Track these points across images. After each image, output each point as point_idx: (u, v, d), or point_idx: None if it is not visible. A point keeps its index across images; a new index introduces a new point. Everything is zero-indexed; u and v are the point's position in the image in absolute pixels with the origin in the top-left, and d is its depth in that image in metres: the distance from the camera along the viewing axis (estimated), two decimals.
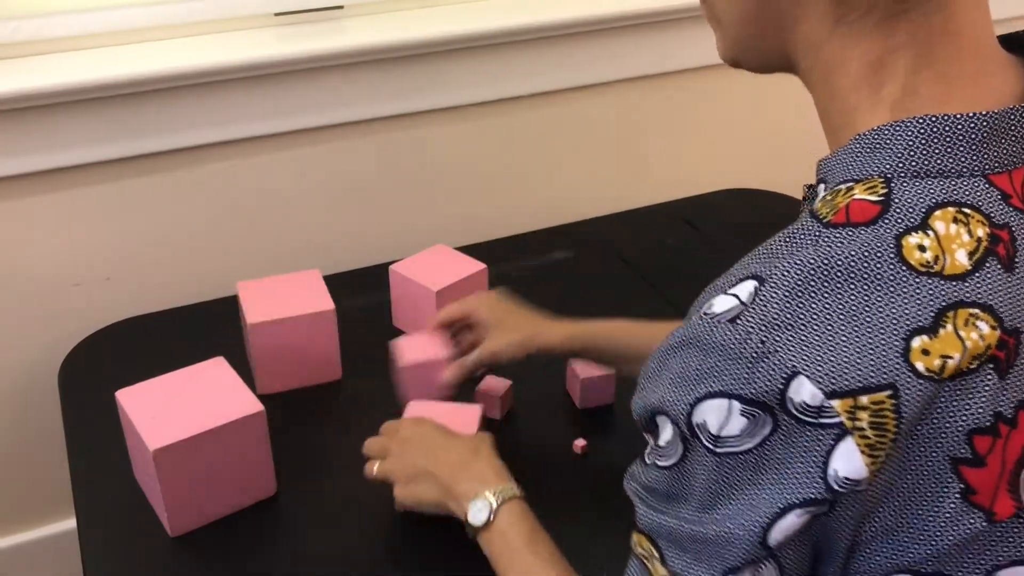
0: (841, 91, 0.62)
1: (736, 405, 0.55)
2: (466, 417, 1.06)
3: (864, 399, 0.53)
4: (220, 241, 1.49)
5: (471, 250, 1.36)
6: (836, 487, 0.54)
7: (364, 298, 1.39)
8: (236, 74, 1.35)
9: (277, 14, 1.42)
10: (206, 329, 1.36)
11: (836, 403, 0.53)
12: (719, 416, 0.56)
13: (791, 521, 0.56)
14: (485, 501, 0.90)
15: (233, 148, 1.43)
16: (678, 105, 1.71)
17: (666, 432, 0.60)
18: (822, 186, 0.63)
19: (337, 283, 1.29)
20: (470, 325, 1.15)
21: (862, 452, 0.53)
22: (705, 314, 0.57)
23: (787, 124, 1.81)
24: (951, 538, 0.56)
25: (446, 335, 1.16)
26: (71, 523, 1.10)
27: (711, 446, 0.57)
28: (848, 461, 0.54)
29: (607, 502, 0.97)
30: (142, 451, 0.98)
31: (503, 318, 1.12)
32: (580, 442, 1.13)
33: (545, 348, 1.09)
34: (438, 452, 0.98)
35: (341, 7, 1.46)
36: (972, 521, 0.55)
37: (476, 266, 1.31)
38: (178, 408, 1.00)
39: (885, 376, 0.53)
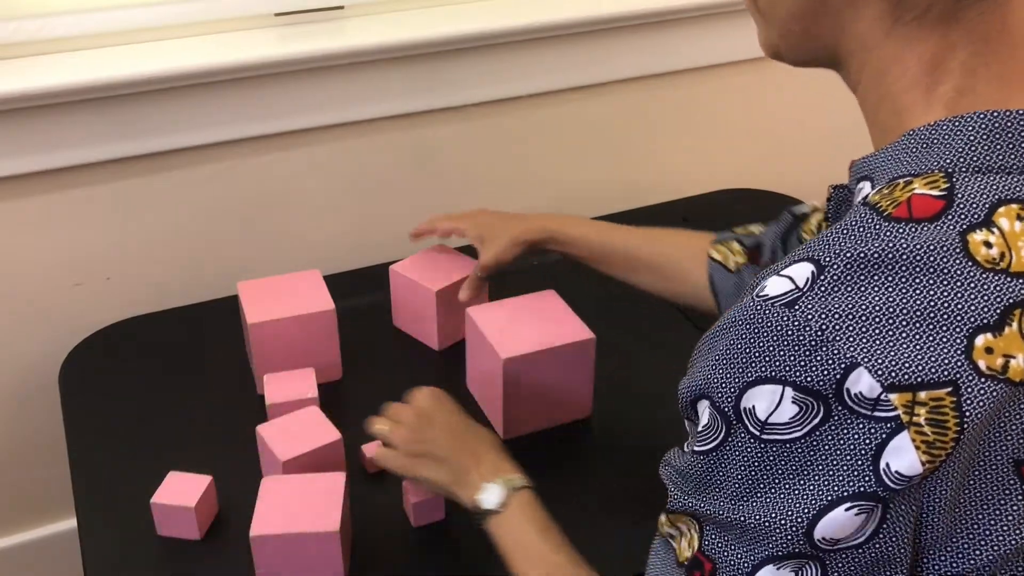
0: (894, 91, 0.61)
1: (789, 392, 0.54)
2: (328, 484, 0.99)
3: (923, 395, 0.52)
4: (220, 241, 1.48)
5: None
6: (888, 481, 0.53)
7: (364, 298, 1.39)
8: (236, 74, 1.35)
9: (277, 14, 1.42)
10: (206, 329, 1.36)
11: (894, 396, 0.52)
12: (770, 402, 0.55)
13: (840, 516, 0.54)
14: (500, 487, 0.90)
15: (233, 148, 1.43)
16: (678, 105, 1.71)
17: (705, 416, 0.59)
18: (867, 183, 0.62)
19: (337, 283, 1.29)
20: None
21: (917, 447, 0.52)
22: (758, 296, 0.56)
23: (787, 124, 1.81)
24: (1013, 542, 0.55)
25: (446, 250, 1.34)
26: (71, 523, 1.10)
27: (756, 432, 0.56)
28: (902, 455, 0.52)
29: None
30: (492, 360, 1.12)
31: (488, 230, 1.23)
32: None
33: (532, 244, 1.20)
34: (455, 435, 0.97)
35: (341, 7, 1.46)
36: None
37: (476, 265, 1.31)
38: (521, 327, 1.15)
39: (946, 373, 0.52)
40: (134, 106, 1.33)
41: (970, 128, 0.57)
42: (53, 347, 1.38)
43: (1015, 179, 0.56)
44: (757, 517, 0.57)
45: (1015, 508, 0.54)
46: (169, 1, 1.36)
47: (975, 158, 0.56)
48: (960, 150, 0.57)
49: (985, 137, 0.56)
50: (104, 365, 1.30)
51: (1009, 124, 0.56)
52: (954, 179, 0.56)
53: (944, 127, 0.58)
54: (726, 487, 0.59)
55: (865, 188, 0.62)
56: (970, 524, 0.55)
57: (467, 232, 1.26)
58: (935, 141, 0.58)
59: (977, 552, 0.55)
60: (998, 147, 0.56)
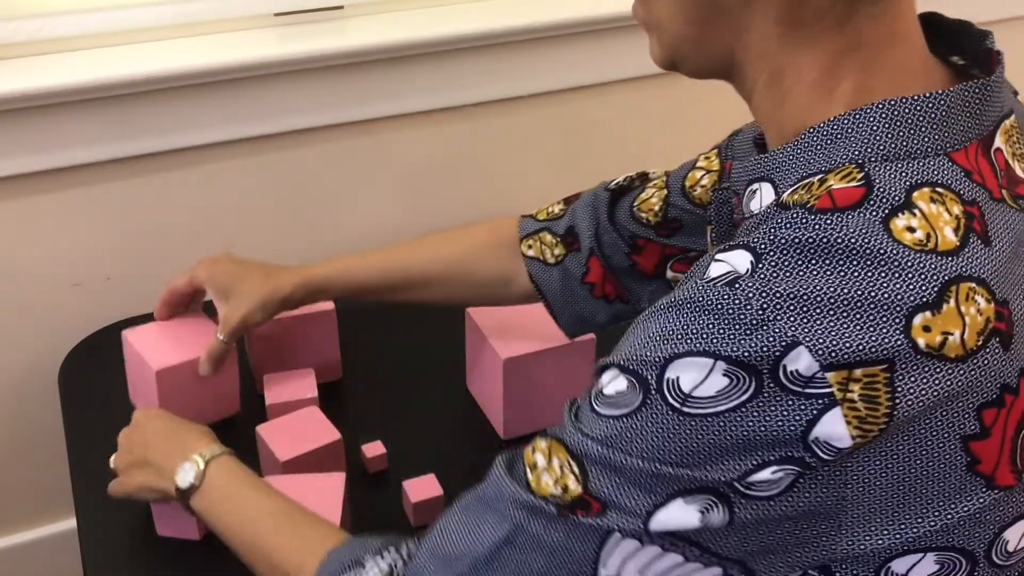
0: (793, 96, 0.62)
1: (720, 365, 0.54)
2: (328, 484, 0.98)
3: (858, 372, 0.53)
4: (220, 241, 1.48)
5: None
6: (819, 451, 0.54)
7: None
8: (236, 74, 1.35)
9: (277, 14, 1.42)
10: None
11: (830, 375, 0.53)
12: (697, 374, 0.54)
13: (766, 475, 0.55)
14: (191, 463, 0.88)
15: (233, 148, 1.43)
16: (678, 105, 1.71)
17: (617, 383, 0.58)
18: (766, 185, 0.63)
19: None
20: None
21: (848, 423, 0.53)
22: (700, 279, 0.56)
23: None
24: (958, 511, 0.56)
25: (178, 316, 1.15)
26: (71, 523, 1.10)
27: (677, 404, 0.55)
28: (833, 429, 0.53)
29: None
30: (492, 360, 1.13)
31: (231, 283, 1.08)
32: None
33: (285, 301, 1.07)
34: (161, 436, 0.95)
35: (341, 7, 1.46)
36: (975, 490, 0.56)
37: None
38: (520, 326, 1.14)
39: (884, 352, 0.53)
40: (134, 106, 1.33)
41: (871, 119, 0.58)
42: (53, 347, 1.38)
43: (921, 163, 0.57)
44: (669, 472, 0.56)
45: (957, 477, 0.56)
46: (169, 1, 1.36)
47: (881, 147, 0.58)
48: (865, 141, 0.58)
49: (887, 126, 0.58)
50: (104, 365, 1.30)
51: (907, 111, 0.58)
52: (867, 168, 0.57)
53: (845, 121, 0.59)
54: (634, 454, 0.57)
55: (765, 190, 0.63)
56: (916, 496, 0.56)
57: (204, 283, 1.11)
58: (838, 136, 0.59)
59: (920, 521, 0.56)
60: (900, 134, 0.58)
